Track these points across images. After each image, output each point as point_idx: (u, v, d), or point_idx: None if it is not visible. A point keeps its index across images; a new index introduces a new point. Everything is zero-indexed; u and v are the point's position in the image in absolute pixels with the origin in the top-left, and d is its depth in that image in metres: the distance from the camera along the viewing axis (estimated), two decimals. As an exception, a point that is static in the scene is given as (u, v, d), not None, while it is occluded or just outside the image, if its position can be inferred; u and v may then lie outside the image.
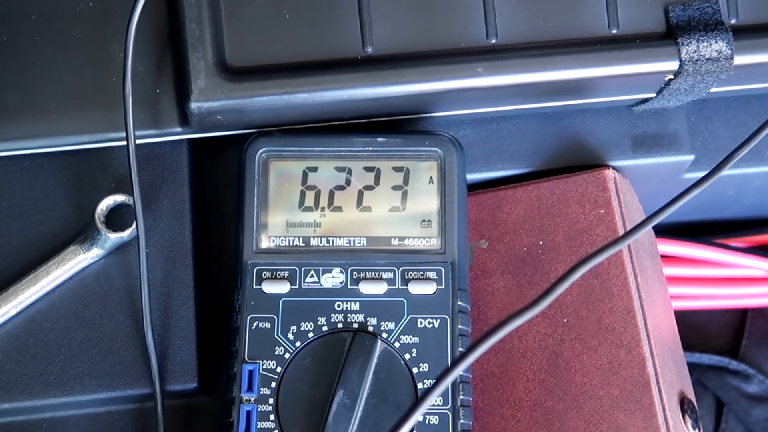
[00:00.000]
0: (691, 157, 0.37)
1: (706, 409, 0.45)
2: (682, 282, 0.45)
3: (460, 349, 0.31)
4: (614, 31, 0.33)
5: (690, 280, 0.45)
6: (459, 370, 0.22)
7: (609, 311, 0.33)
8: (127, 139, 0.32)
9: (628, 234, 0.27)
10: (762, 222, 0.46)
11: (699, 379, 0.46)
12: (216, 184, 0.36)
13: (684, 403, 0.33)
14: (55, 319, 0.32)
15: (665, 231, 0.44)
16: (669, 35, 0.32)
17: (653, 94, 0.34)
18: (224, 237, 0.35)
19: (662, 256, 0.43)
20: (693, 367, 0.46)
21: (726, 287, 0.45)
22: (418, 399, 0.23)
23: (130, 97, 0.31)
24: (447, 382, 0.22)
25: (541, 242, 0.35)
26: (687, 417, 0.33)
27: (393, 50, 0.32)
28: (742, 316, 0.47)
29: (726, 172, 0.39)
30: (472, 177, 0.36)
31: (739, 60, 0.32)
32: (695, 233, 0.46)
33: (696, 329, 0.47)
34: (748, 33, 0.33)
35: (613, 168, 0.36)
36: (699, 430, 0.34)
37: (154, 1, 0.32)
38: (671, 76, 0.33)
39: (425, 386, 0.30)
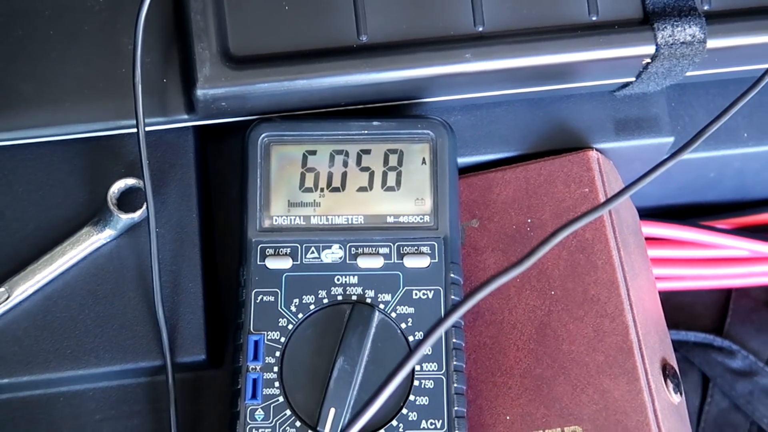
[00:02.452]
0: (671, 139, 0.39)
1: (693, 384, 0.47)
2: (669, 263, 0.46)
3: (453, 297, 0.32)
4: (594, 18, 0.35)
5: (677, 261, 0.46)
6: (451, 321, 0.24)
7: (594, 283, 0.35)
8: (137, 125, 0.33)
9: (607, 202, 0.28)
10: (744, 204, 0.48)
11: (685, 355, 0.47)
12: (220, 170, 0.38)
13: (666, 369, 0.35)
14: (71, 296, 0.34)
15: (652, 215, 0.46)
16: (645, 21, 0.34)
17: (633, 78, 0.36)
18: (229, 218, 0.37)
19: (650, 239, 0.45)
20: (680, 344, 0.47)
21: (711, 268, 0.46)
22: (414, 347, 0.25)
23: (140, 86, 0.33)
24: (441, 331, 0.24)
25: (529, 220, 0.37)
26: (669, 381, 0.35)
27: (386, 38, 0.34)
28: (726, 295, 0.49)
29: (705, 153, 0.42)
30: (464, 160, 0.38)
31: (712, 44, 0.34)
32: (680, 216, 0.48)
33: (683, 309, 0.49)
34: (720, 18, 0.34)
35: (598, 150, 0.38)
36: (680, 394, 0.35)
37: (160, -3, 0.34)
38: (649, 60, 0.35)
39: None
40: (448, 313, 0.24)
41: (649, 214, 0.46)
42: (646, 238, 0.41)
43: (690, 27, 0.34)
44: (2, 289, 0.34)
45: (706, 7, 0.35)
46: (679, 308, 0.49)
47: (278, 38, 0.33)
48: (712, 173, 0.44)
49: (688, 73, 0.36)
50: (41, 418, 0.34)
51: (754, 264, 0.46)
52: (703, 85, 0.40)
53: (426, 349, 0.24)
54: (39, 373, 0.34)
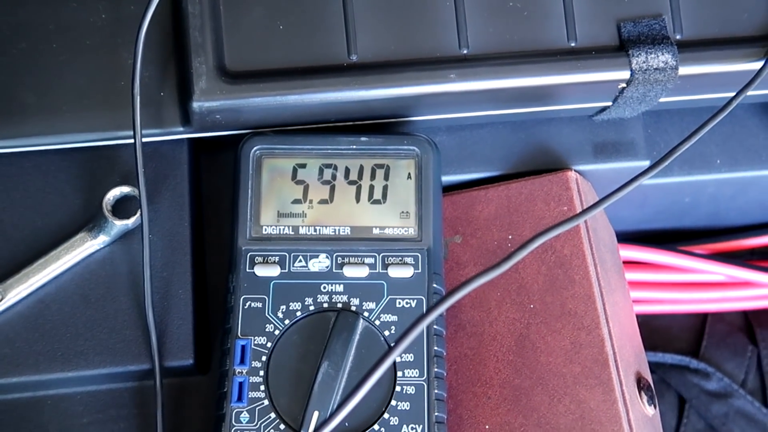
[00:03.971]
0: (647, 163, 0.41)
1: (669, 405, 0.48)
2: (647, 287, 0.48)
3: (434, 305, 0.33)
4: (572, 44, 0.36)
5: (655, 284, 0.47)
6: (431, 318, 0.25)
7: (571, 297, 0.36)
8: (134, 136, 0.35)
9: (583, 212, 0.30)
10: (719, 231, 0.50)
11: (662, 377, 0.48)
12: (212, 182, 0.39)
13: (640, 382, 0.36)
14: (63, 300, 0.35)
15: (630, 239, 0.47)
16: (621, 48, 0.36)
17: (610, 103, 0.38)
18: (219, 229, 0.38)
19: (629, 262, 0.46)
20: (656, 366, 0.48)
21: (688, 292, 0.47)
22: (394, 344, 0.26)
23: (138, 98, 0.34)
24: (422, 327, 0.25)
25: (510, 237, 0.38)
26: (643, 393, 0.36)
27: (375, 58, 0.35)
28: (702, 320, 0.50)
29: (680, 178, 0.43)
30: (448, 179, 0.39)
31: (684, 70, 0.36)
32: (657, 241, 0.49)
33: (660, 331, 0.50)
34: (691, 47, 0.36)
35: (576, 171, 0.39)
36: (654, 407, 0.36)
37: (160, 14, 0.36)
38: (624, 84, 0.36)
39: (403, 360, 0.33)
40: (429, 310, 0.25)
41: (626, 238, 0.47)
42: (625, 262, 0.43)
43: (663, 54, 0.36)
44: (-4, 292, 0.35)
45: (678, 36, 0.37)
46: (656, 331, 0.50)
47: (272, 55, 0.35)
48: (687, 198, 0.46)
49: (663, 99, 0.38)
50: (28, 421, 0.35)
51: (730, 289, 0.48)
52: (678, 112, 0.42)
53: (406, 344, 0.25)
54: (29, 374, 0.34)
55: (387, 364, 0.24)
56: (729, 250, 0.49)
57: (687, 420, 0.47)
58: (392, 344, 0.33)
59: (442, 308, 0.25)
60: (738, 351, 0.49)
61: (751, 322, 0.50)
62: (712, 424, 0.47)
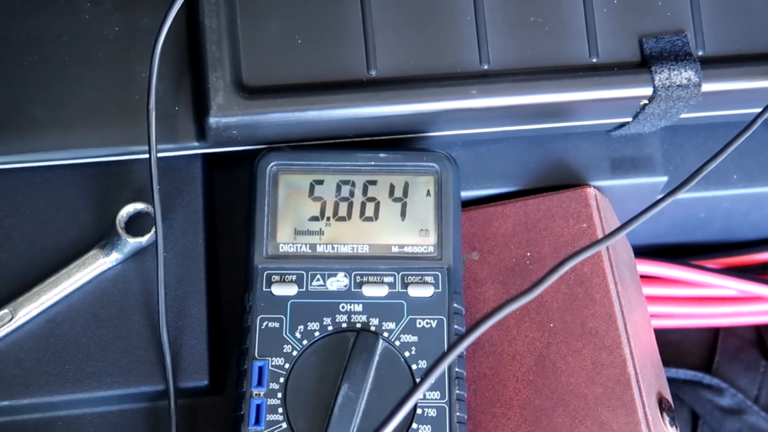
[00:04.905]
0: (665, 179, 0.40)
1: (683, 421, 0.48)
2: (659, 301, 0.47)
3: (456, 326, 0.33)
4: (594, 60, 0.36)
5: (667, 299, 0.47)
6: (459, 350, 0.25)
7: (592, 316, 0.36)
8: (149, 151, 0.34)
9: (608, 236, 0.29)
10: (732, 245, 0.49)
11: (675, 392, 0.48)
12: (226, 198, 0.38)
13: (662, 402, 0.36)
14: (74, 319, 0.34)
15: (643, 253, 0.47)
16: (644, 64, 0.36)
17: (630, 119, 0.38)
18: (233, 246, 0.37)
19: (641, 276, 0.46)
20: (670, 382, 0.48)
21: (700, 306, 0.47)
22: (420, 379, 0.25)
23: (154, 113, 0.34)
24: (449, 361, 0.24)
25: (528, 254, 0.37)
26: (665, 414, 0.35)
27: (395, 73, 0.35)
28: (714, 334, 0.50)
29: (696, 193, 0.43)
30: (465, 194, 0.39)
31: (707, 87, 0.36)
32: (670, 256, 0.49)
33: (672, 346, 0.49)
34: (714, 63, 0.36)
35: (594, 187, 0.39)
36: (676, 428, 0.36)
37: (175, 27, 0.35)
38: (646, 101, 0.36)
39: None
40: (454, 344, 0.25)
41: (639, 252, 0.47)
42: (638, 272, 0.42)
43: (686, 71, 0.35)
44: (6, 311, 0.34)
45: (700, 53, 0.36)
46: (668, 345, 0.49)
47: (290, 70, 0.34)
48: (702, 213, 0.45)
49: (683, 115, 0.38)
50: (39, 442, 0.34)
51: (743, 304, 0.47)
52: (694, 128, 0.42)
53: (431, 382, 0.24)
54: (39, 396, 0.33)
55: (410, 405, 0.24)
56: (741, 265, 0.49)
57: (701, 436, 0.47)
58: (413, 366, 0.33)
59: (471, 339, 0.25)
60: (751, 366, 0.48)
61: (763, 337, 0.49)
62: (726, 440, 0.47)
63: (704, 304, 0.47)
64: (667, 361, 0.49)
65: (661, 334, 0.49)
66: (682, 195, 0.42)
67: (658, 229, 0.47)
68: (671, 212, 0.45)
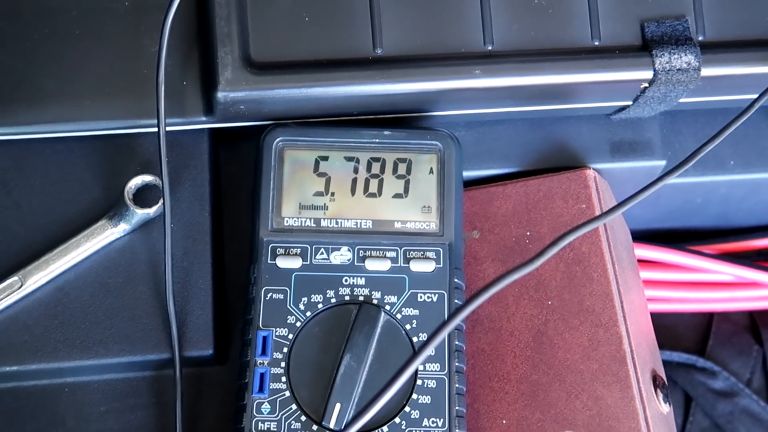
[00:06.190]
0: (663, 162, 0.41)
1: (676, 403, 0.48)
2: (655, 285, 0.48)
3: (456, 301, 0.34)
4: (596, 43, 0.37)
5: (663, 283, 0.48)
6: (460, 318, 0.25)
7: (589, 294, 0.36)
8: (158, 124, 0.35)
9: (607, 212, 0.30)
10: (728, 231, 0.50)
11: (669, 375, 0.49)
12: (232, 173, 0.39)
13: (656, 380, 0.37)
14: (83, 288, 0.35)
15: (640, 237, 0.48)
16: (644, 48, 0.36)
17: (630, 102, 0.38)
18: (238, 221, 0.38)
19: (638, 261, 0.46)
20: (664, 364, 0.49)
21: (696, 291, 0.48)
22: (421, 345, 0.26)
23: (163, 86, 0.34)
24: (449, 329, 0.25)
25: (528, 233, 0.38)
26: (659, 391, 0.36)
27: (401, 52, 0.35)
28: (708, 319, 0.50)
29: (693, 178, 0.44)
30: (466, 174, 0.39)
31: (706, 72, 0.36)
32: (667, 241, 0.50)
33: (667, 330, 0.50)
34: (713, 48, 0.37)
35: (594, 169, 0.40)
36: (669, 404, 0.37)
37: (184, 4, 0.36)
38: (646, 84, 0.37)
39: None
40: (454, 312, 0.25)
41: (637, 237, 0.47)
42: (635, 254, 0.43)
43: (686, 55, 0.36)
44: (15, 278, 0.34)
45: (701, 38, 0.37)
46: (663, 329, 0.50)
47: (298, 47, 0.35)
48: (698, 198, 0.46)
49: (682, 100, 0.38)
50: (45, 408, 0.35)
51: (737, 289, 0.48)
52: (693, 114, 0.42)
53: (431, 349, 0.25)
54: (47, 361, 0.34)
55: (409, 372, 0.24)
56: (737, 251, 0.49)
57: (693, 418, 0.48)
58: (413, 338, 0.34)
59: (469, 309, 0.25)
60: (744, 350, 0.49)
61: (756, 322, 0.50)
62: (718, 422, 0.47)
63: (700, 289, 0.48)
64: (661, 344, 0.50)
65: (657, 318, 0.49)
66: (679, 180, 0.43)
67: (655, 214, 0.48)
68: (668, 197, 0.45)
